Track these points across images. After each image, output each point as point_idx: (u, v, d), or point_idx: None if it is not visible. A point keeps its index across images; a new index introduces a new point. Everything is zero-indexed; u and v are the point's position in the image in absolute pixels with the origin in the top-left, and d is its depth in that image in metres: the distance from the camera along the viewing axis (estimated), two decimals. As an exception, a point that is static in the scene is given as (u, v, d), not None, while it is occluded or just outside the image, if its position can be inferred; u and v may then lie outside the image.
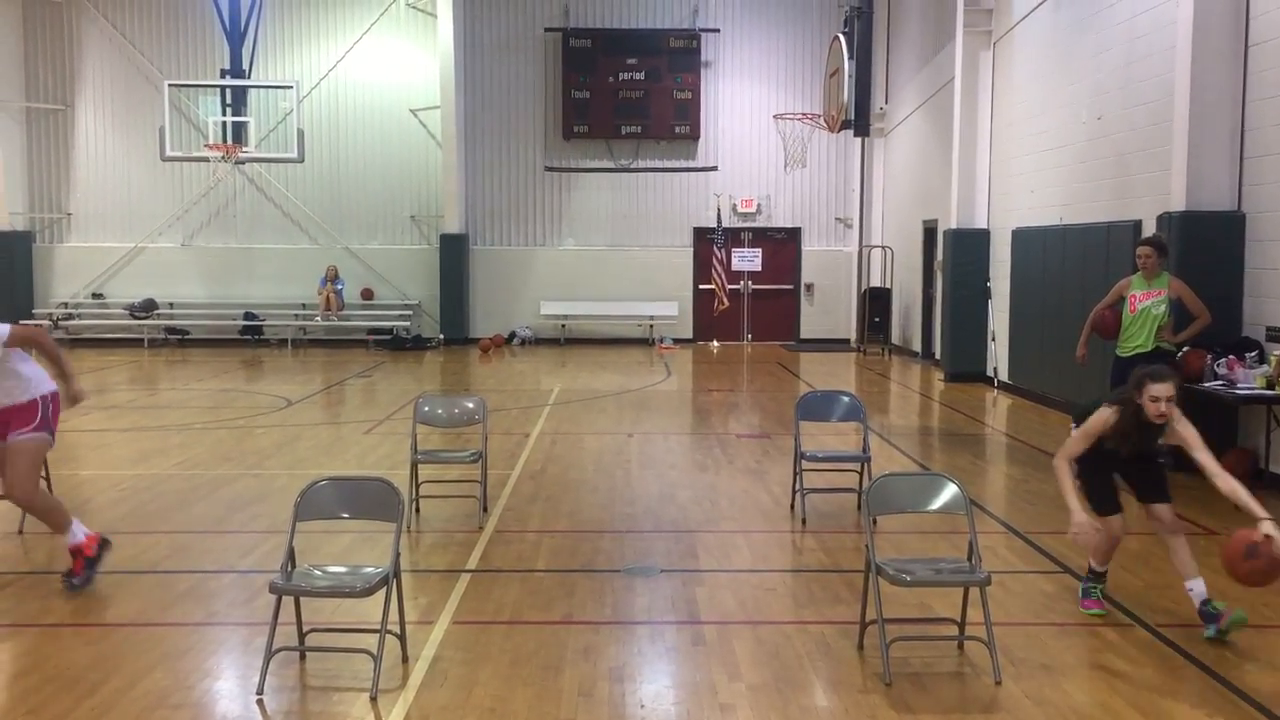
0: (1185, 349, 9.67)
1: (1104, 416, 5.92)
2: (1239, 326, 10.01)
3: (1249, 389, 9.03)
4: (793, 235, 24.52)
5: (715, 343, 24.03)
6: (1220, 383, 9.31)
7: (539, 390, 16.75)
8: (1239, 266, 10.10)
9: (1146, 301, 9.52)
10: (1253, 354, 9.46)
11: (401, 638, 5.54)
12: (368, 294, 24.07)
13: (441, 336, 23.58)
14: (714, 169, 24.13)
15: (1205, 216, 10.25)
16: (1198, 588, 5.93)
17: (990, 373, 16.50)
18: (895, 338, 22.11)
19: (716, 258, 23.17)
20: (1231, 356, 9.40)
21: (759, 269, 24.45)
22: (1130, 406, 5.82)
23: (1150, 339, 9.52)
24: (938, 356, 18.60)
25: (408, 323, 23.73)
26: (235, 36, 21.79)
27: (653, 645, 5.85)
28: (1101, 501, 6.14)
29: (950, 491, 5.72)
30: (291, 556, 5.38)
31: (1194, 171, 10.29)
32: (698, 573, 7.18)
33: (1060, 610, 6.42)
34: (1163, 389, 5.69)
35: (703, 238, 23.96)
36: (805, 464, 8.61)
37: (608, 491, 9.54)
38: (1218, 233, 10.18)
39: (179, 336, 23.89)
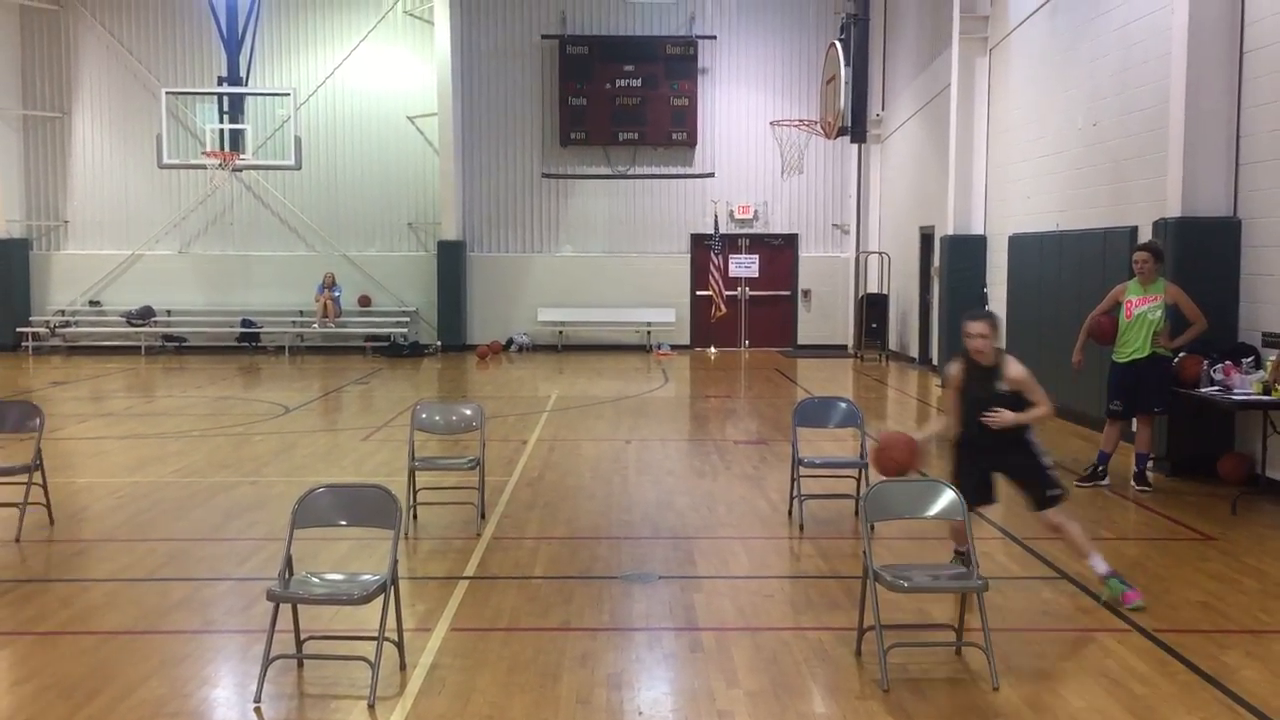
0: (1182, 354, 9.68)
1: (952, 369, 6.61)
2: (1235, 332, 10.02)
3: (1245, 394, 9.03)
4: (790, 241, 24.53)
5: (713, 349, 24.03)
6: (1216, 388, 9.31)
7: (536, 397, 16.74)
8: (1235, 272, 10.11)
9: (1143, 307, 9.54)
10: (1249, 359, 9.47)
11: (399, 645, 5.53)
12: (365, 301, 24.07)
13: (439, 343, 23.58)
14: (711, 175, 24.15)
15: (1201, 222, 10.27)
16: (1098, 564, 6.57)
17: (987, 378, 16.48)
18: (892, 344, 22.13)
19: (714, 264, 23.17)
20: (1228, 362, 9.41)
21: (756, 275, 24.46)
22: (965, 352, 6.47)
23: (1146, 344, 9.53)
24: (935, 362, 18.61)
25: (405, 329, 23.72)
26: (232, 44, 21.79)
27: (651, 652, 5.84)
28: (974, 493, 6.33)
29: (948, 497, 5.73)
30: (289, 564, 5.38)
31: (1190, 177, 10.30)
32: (695, 579, 7.18)
33: (1058, 616, 6.43)
34: (974, 326, 6.38)
35: (700, 244, 23.98)
36: (803, 470, 8.62)
37: (605, 498, 9.54)
38: (1213, 239, 10.20)
39: (176, 344, 23.87)
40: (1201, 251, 10.19)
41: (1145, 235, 11.12)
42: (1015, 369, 6.39)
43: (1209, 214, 10.26)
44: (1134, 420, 9.85)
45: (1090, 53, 13.02)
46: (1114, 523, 8.70)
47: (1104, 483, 9.75)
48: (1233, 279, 10.11)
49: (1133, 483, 9.66)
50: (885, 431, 6.19)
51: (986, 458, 6.51)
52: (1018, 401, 6.37)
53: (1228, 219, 10.21)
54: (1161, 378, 9.59)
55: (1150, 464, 9.92)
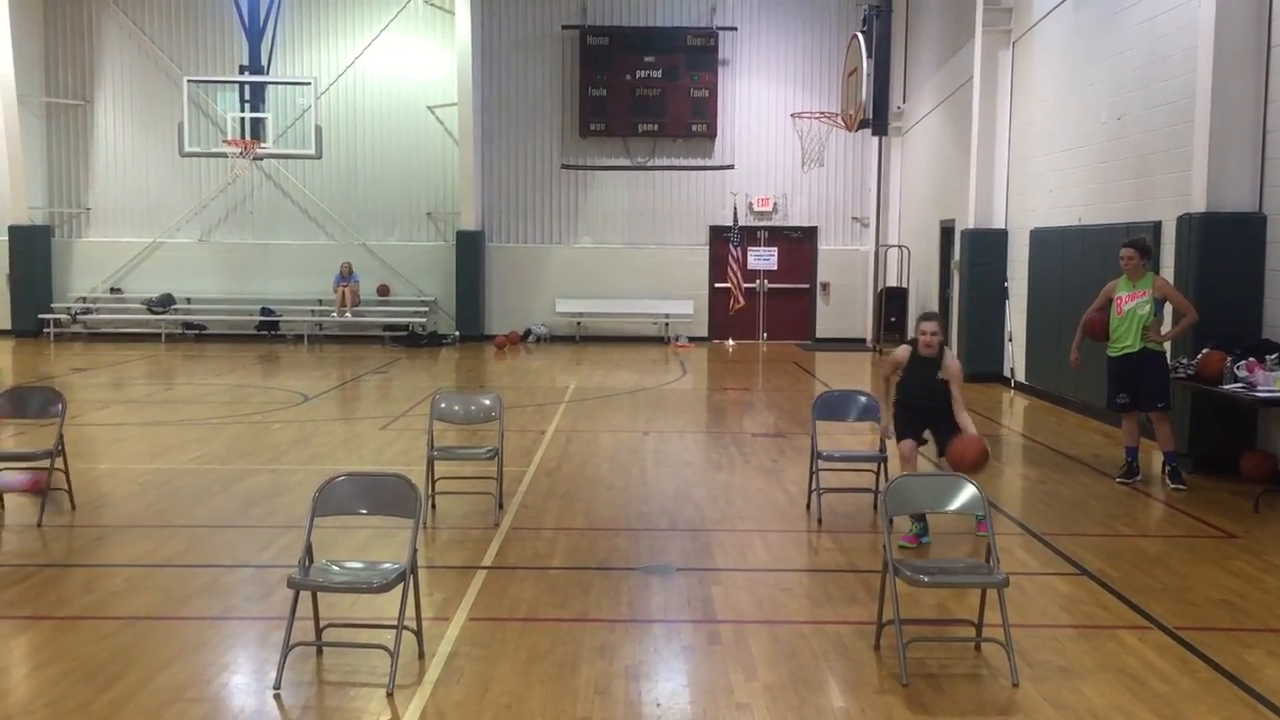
0: (1204, 351, 9.63)
1: (901, 349, 8.05)
2: (1259, 329, 9.94)
3: (1269, 391, 8.95)
4: (809, 234, 24.46)
5: (731, 341, 23.99)
6: (1240, 385, 9.24)
7: (554, 388, 16.76)
8: (1260, 268, 10.01)
9: (1132, 303, 9.56)
10: (1273, 356, 9.37)
11: (418, 634, 5.55)
12: (384, 290, 24.12)
13: (457, 333, 23.62)
14: (730, 167, 24.10)
15: (1226, 218, 10.18)
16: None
17: (1007, 373, 16.44)
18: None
19: (732, 256, 23.12)
20: (1251, 359, 9.32)
21: (775, 268, 24.39)
22: (914, 343, 7.82)
23: (1137, 339, 9.54)
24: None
25: (424, 319, 23.77)
26: (254, 32, 21.84)
27: (669, 644, 5.84)
28: (903, 431, 7.93)
29: (968, 492, 5.69)
30: (309, 551, 5.40)
31: (1215, 173, 10.21)
32: (714, 571, 7.17)
33: (1078, 612, 6.39)
34: (928, 325, 7.73)
35: (719, 236, 23.93)
36: (821, 463, 8.59)
37: (623, 489, 9.54)
38: (1239, 234, 10.10)
39: (196, 331, 23.98)
40: (1226, 247, 10.11)
41: (1170, 230, 11.05)
42: (953, 363, 7.77)
43: (1234, 209, 10.17)
44: (1148, 416, 9.79)
45: (1115, 46, 12.91)
46: (1135, 519, 8.65)
47: (1139, 479, 9.72)
48: (1257, 275, 10.01)
49: (1168, 481, 9.54)
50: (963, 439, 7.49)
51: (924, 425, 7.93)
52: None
53: (1253, 214, 10.11)
54: (1158, 374, 9.58)
55: (1179, 461, 9.82)
